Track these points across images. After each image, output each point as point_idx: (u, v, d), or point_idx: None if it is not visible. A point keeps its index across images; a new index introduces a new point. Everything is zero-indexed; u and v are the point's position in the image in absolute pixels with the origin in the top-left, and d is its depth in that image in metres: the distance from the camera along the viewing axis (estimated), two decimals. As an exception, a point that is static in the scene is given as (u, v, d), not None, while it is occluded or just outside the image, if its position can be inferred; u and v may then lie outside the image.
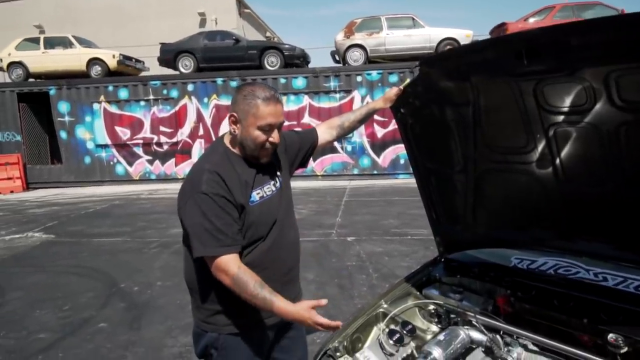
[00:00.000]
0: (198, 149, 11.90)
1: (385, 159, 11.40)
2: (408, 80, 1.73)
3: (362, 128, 11.40)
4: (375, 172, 11.52)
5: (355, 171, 11.60)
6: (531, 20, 11.19)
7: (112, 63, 12.14)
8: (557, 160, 1.54)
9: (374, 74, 11.07)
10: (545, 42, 1.21)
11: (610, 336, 1.42)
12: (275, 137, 1.53)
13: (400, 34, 11.22)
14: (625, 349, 1.40)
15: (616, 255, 1.62)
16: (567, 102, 1.37)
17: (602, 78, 1.22)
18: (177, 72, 12.18)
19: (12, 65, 12.34)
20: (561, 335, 1.55)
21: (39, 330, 3.40)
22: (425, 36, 11.14)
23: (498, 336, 1.65)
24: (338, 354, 1.64)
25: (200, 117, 11.82)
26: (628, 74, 1.18)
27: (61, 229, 7.03)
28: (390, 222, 6.50)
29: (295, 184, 10.72)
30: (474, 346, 1.62)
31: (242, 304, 1.55)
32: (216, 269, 1.44)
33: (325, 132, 1.90)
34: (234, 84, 11.52)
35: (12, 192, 11.94)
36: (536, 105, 1.43)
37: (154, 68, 13.63)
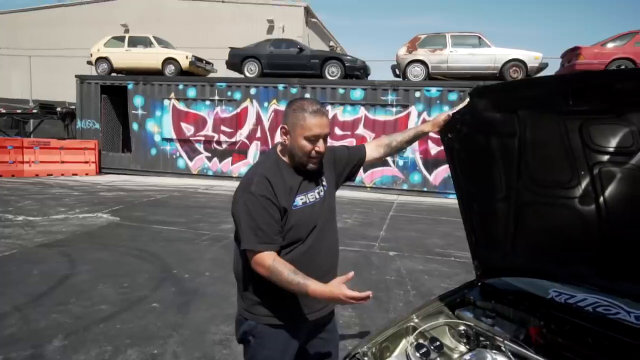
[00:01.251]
0: (254, 151, 12.42)
1: (436, 177, 11.23)
2: (457, 107, 1.82)
3: (415, 144, 11.33)
4: (425, 189, 11.37)
5: (405, 186, 11.52)
6: (610, 45, 10.58)
7: (184, 63, 13.02)
8: (601, 199, 1.56)
9: (434, 91, 10.98)
10: (592, 85, 1.26)
11: (642, 380, 1.42)
12: (320, 146, 1.68)
13: (464, 52, 11.05)
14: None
15: (659, 300, 1.60)
16: (613, 143, 1.40)
17: (648, 123, 1.25)
18: (242, 76, 12.81)
19: (100, 60, 13.62)
20: (591, 373, 1.55)
21: (101, 301, 3.79)
22: (491, 56, 10.88)
23: (525, 364, 1.68)
24: (366, 358, 1.74)
25: (259, 120, 12.33)
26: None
27: (125, 213, 7.66)
28: (434, 241, 6.43)
29: (343, 193, 10.86)
30: (498, 371, 1.66)
31: (280, 299, 1.71)
32: (255, 263, 1.61)
33: (373, 149, 2.03)
34: (294, 90, 11.92)
35: (87, 174, 13.13)
36: (581, 143, 1.47)
37: (221, 70, 14.42)
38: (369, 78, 12.54)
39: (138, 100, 13.23)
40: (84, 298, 3.85)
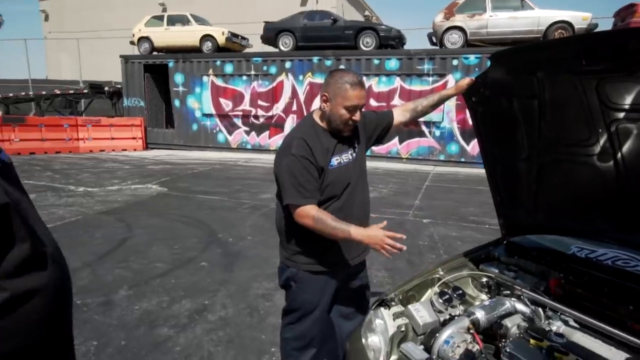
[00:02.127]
0: (290, 124, 12.64)
1: (474, 147, 11.01)
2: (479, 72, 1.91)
3: (453, 114, 11.12)
4: (462, 159, 11.22)
5: (442, 157, 11.41)
6: (669, 1, 9.76)
7: (221, 40, 13.27)
8: (619, 155, 1.63)
9: (472, 58, 10.65)
10: (604, 45, 1.34)
11: (652, 323, 1.52)
12: (357, 116, 1.86)
13: (505, 15, 10.56)
14: (664, 336, 1.49)
15: (677, 252, 1.67)
16: (629, 100, 1.47)
17: (660, 79, 1.32)
18: (277, 50, 12.92)
19: (141, 40, 14.13)
20: (604, 318, 1.67)
21: (156, 260, 4.21)
22: (534, 19, 10.34)
23: (541, 310, 1.82)
24: (393, 303, 1.94)
25: (294, 94, 12.49)
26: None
27: (172, 184, 8.17)
28: (470, 209, 6.46)
29: (379, 164, 10.93)
30: (515, 313, 1.81)
31: (319, 248, 1.94)
32: (298, 215, 1.83)
33: (400, 114, 2.17)
34: (328, 63, 11.93)
35: (135, 150, 13.91)
36: (598, 102, 1.54)
37: (256, 45, 14.58)
38: (405, 47, 12.29)
39: (178, 78, 13.71)
40: (141, 257, 4.29)
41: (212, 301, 3.37)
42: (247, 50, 14.40)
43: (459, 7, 10.99)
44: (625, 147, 1.60)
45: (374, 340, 1.84)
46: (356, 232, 1.77)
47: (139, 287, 3.59)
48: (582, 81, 1.52)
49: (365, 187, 2.10)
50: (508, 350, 1.54)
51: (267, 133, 13.12)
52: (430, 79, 11.05)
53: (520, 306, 1.85)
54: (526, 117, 1.84)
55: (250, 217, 5.92)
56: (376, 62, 11.47)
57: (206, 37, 13.45)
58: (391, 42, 11.67)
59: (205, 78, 13.41)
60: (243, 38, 14.26)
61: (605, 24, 11.51)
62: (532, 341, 1.56)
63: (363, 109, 1.91)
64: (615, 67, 1.38)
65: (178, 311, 3.20)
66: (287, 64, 12.44)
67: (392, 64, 11.33)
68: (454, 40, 11.00)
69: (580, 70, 1.46)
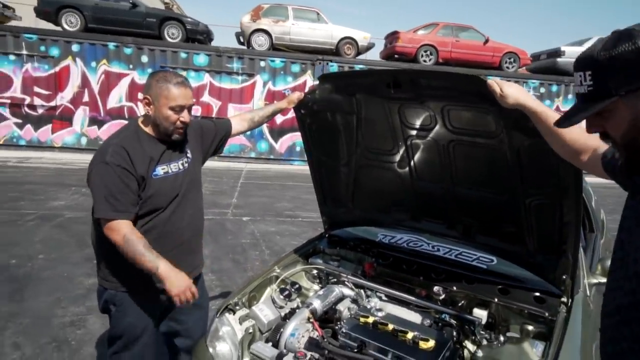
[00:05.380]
0: (81, 117, 10.89)
1: (282, 145, 11.84)
2: (310, 86, 2.14)
3: (262, 113, 11.63)
4: (272, 157, 11.89)
5: (253, 154, 11.82)
6: (420, 32, 12.57)
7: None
8: (412, 163, 2.10)
9: (278, 62, 11.36)
10: (405, 79, 1.71)
11: (435, 288, 2.03)
12: (185, 116, 1.78)
13: (305, 26, 11.66)
14: (443, 296, 2.02)
15: (446, 232, 2.26)
16: (419, 122, 1.91)
17: (440, 109, 1.78)
18: (59, 29, 10.89)
19: None
20: (405, 289, 2.13)
21: None
22: (328, 32, 11.76)
23: (362, 291, 2.19)
24: (237, 307, 2.00)
25: (85, 82, 10.79)
26: (454, 109, 1.74)
27: None
28: (284, 204, 6.96)
29: (191, 162, 10.56)
30: (344, 298, 2.13)
31: (137, 267, 1.72)
32: (108, 229, 1.65)
33: (238, 123, 2.21)
34: (128, 51, 10.77)
35: None
36: (400, 121, 1.95)
37: (28, 19, 11.94)
38: (213, 44, 12.16)
39: None
40: None
41: (-3, 344, 2.71)
42: (14, 23, 11.64)
43: (264, 11, 11.54)
44: (416, 157, 2.07)
45: (223, 349, 1.86)
46: (164, 270, 1.64)
47: None
48: (389, 105, 1.90)
49: (199, 200, 2.02)
50: (344, 330, 1.81)
51: (49, 127, 10.92)
52: (240, 77, 11.27)
53: (346, 290, 2.18)
54: (346, 130, 2.16)
55: (39, 231, 4.90)
56: (183, 55, 10.98)
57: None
58: (199, 36, 11.37)
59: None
60: (5, 6, 11.45)
61: (380, 44, 14.00)
62: (361, 319, 1.87)
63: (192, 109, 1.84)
64: (411, 96, 1.78)
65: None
66: (75, 47, 10.63)
67: (201, 59, 11.06)
68: (260, 42, 11.50)
69: (389, 96, 1.82)
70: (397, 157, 2.13)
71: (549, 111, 1.30)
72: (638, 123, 0.83)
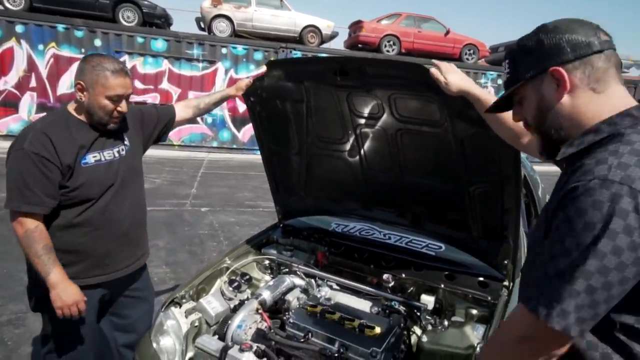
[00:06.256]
0: (28, 103, 10.23)
1: (245, 134, 11.63)
2: (255, 74, 2.08)
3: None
4: (234, 146, 11.67)
5: (215, 144, 11.56)
6: (383, 22, 12.61)
7: None
8: (362, 151, 2.09)
9: (240, 49, 11.08)
10: (352, 67, 1.69)
11: (384, 276, 2.05)
12: (123, 106, 1.69)
13: (268, 12, 11.42)
14: (392, 284, 2.04)
15: (397, 221, 2.28)
16: (367, 110, 1.90)
17: (387, 97, 1.77)
18: (0, 7, 10.12)
19: None
20: (357, 278, 2.14)
21: None
22: (292, 19, 11.58)
23: (313, 280, 2.18)
24: (184, 300, 1.94)
25: (32, 66, 10.11)
26: (400, 97, 1.74)
27: None
28: (245, 194, 6.86)
29: (150, 152, 10.17)
30: (294, 288, 2.11)
31: (70, 258, 1.68)
32: (15, 221, 1.57)
33: (182, 110, 2.12)
34: (79, 34, 10.17)
35: None
36: (349, 110, 1.94)
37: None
38: (172, 29, 11.70)
39: None
40: None
41: None
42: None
43: (225, -4, 11.19)
44: (366, 146, 2.07)
45: (166, 343, 1.80)
46: (55, 278, 1.58)
47: None
48: (337, 93, 1.87)
49: (140, 189, 1.92)
50: (291, 320, 1.80)
51: (-9, 113, 10.22)
52: (200, 64, 10.93)
53: (297, 280, 2.17)
54: (296, 118, 2.12)
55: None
56: (140, 40, 10.50)
57: None
58: (156, 20, 10.90)
59: None
60: None
61: (344, 33, 13.96)
62: (309, 308, 1.86)
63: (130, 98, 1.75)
64: (358, 84, 1.76)
65: None
66: (19, 28, 9.92)
67: (159, 44, 10.61)
68: (222, 28, 11.17)
69: (336, 84, 1.80)
70: (348, 146, 2.12)
71: (491, 97, 1.32)
72: (542, 106, 0.87)
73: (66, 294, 1.58)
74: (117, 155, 1.76)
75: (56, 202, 1.59)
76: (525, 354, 0.79)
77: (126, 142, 1.81)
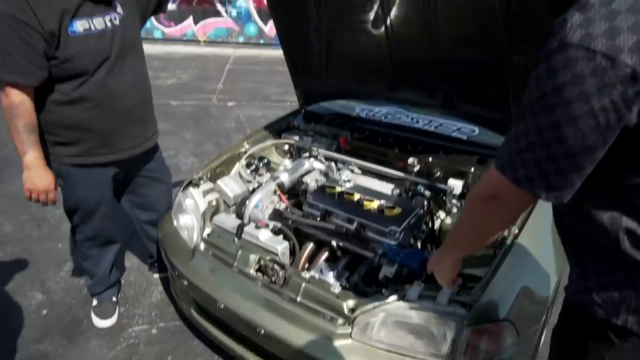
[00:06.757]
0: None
1: (272, 28, 10.92)
2: None
3: (248, -10, 10.53)
4: (261, 41, 11.10)
5: (241, 39, 11.01)
6: None
7: None
8: (388, 20, 1.81)
9: None
10: None
11: (410, 159, 1.93)
12: None
13: None
14: (418, 167, 1.92)
15: (426, 102, 2.07)
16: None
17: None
18: None
19: None
20: (380, 162, 2.02)
21: None
22: None
23: (334, 164, 2.10)
24: (202, 181, 1.92)
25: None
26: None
27: None
28: (272, 90, 6.65)
29: (174, 48, 9.88)
30: (313, 171, 2.04)
31: (78, 136, 1.63)
32: (2, 91, 1.48)
33: None
34: None
35: None
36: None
37: None
38: None
39: None
40: None
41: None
42: None
43: None
44: (393, 13, 1.78)
45: (186, 220, 1.83)
46: (30, 160, 1.54)
47: None
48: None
49: (141, 65, 1.77)
50: (309, 200, 1.76)
51: None
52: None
53: (317, 164, 2.09)
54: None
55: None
56: None
57: None
58: None
59: None
60: None
61: None
62: (327, 190, 1.80)
63: None
64: None
65: None
66: None
67: None
68: None
69: None
70: (372, 15, 1.84)
71: None
72: None
73: (38, 178, 1.56)
74: (109, 24, 1.58)
75: (45, 73, 1.48)
76: (494, 208, 0.83)
77: (119, 11, 1.62)
